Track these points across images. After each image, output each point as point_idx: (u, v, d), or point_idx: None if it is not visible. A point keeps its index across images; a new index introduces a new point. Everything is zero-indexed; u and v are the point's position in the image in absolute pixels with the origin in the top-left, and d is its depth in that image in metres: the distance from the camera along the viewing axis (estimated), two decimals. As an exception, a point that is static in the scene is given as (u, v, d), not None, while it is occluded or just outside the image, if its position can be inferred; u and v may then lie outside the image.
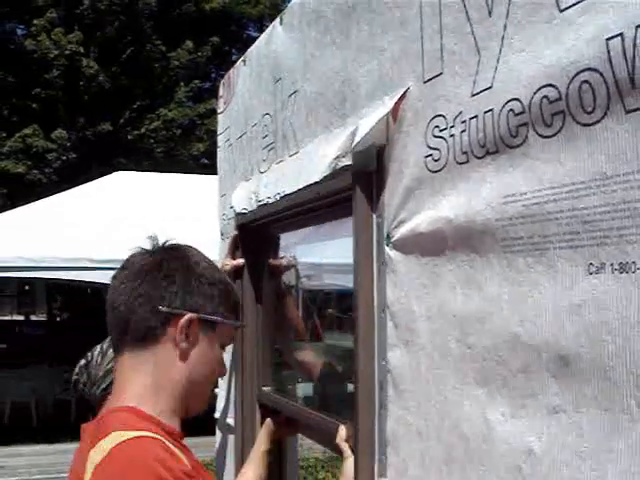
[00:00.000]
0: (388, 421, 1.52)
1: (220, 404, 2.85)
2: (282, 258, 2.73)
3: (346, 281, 1.79)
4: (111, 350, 1.99)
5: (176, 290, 1.44)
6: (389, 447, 1.52)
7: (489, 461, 1.20)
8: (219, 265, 2.66)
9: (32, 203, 10.95)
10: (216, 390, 2.75)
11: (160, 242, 1.53)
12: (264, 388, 2.54)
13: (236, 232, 2.59)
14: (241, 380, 2.58)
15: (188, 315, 1.43)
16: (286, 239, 2.63)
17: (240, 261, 2.55)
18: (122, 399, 1.41)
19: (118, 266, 1.51)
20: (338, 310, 2.18)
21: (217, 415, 2.87)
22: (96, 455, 1.28)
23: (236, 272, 2.55)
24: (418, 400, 1.41)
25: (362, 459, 1.59)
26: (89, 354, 2.22)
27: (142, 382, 1.42)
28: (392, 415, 1.51)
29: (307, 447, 6.96)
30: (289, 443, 2.68)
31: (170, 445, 1.32)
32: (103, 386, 2.13)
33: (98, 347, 2.20)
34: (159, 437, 1.32)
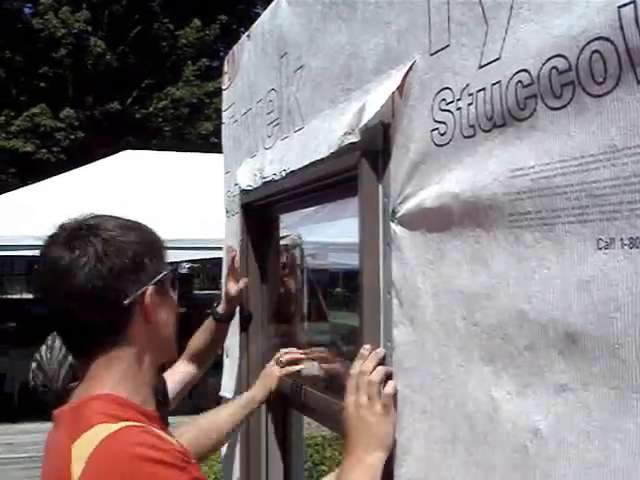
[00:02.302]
0: (393, 400, 1.51)
1: (226, 383, 2.84)
2: (286, 237, 2.71)
3: (351, 260, 1.77)
4: (57, 342, 1.97)
5: (126, 276, 1.37)
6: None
7: (494, 440, 1.18)
8: (224, 286, 2.67)
9: (40, 182, 10.96)
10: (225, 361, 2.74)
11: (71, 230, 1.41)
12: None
13: (235, 252, 2.58)
14: (247, 359, 2.57)
15: (144, 291, 1.39)
16: (291, 218, 2.61)
17: (243, 284, 2.53)
18: (95, 386, 1.36)
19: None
20: (344, 289, 2.16)
21: (222, 393, 2.86)
22: (82, 449, 1.23)
23: (240, 295, 2.54)
24: (423, 378, 1.39)
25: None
26: (37, 356, 2.18)
27: (115, 367, 1.38)
28: (397, 394, 1.49)
29: (315, 425, 6.97)
30: (295, 421, 2.67)
31: (154, 429, 1.29)
32: (62, 376, 2.10)
33: (43, 347, 2.17)
34: (142, 425, 1.28)
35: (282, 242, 2.71)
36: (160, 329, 1.45)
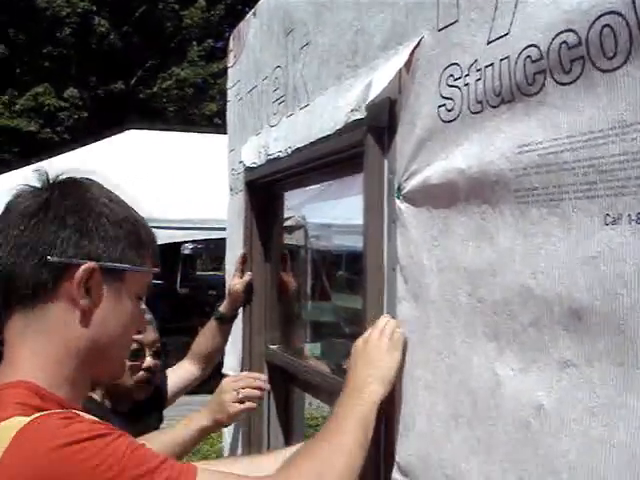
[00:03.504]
0: (396, 376, 1.51)
1: (228, 361, 2.85)
2: (290, 219, 2.71)
3: (356, 242, 1.76)
4: None
5: (69, 234, 1.18)
6: (396, 402, 1.50)
7: (497, 417, 1.18)
8: (228, 283, 2.65)
9: (44, 161, 10.94)
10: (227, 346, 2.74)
11: (50, 177, 1.26)
12: (271, 346, 2.53)
13: (244, 251, 2.56)
14: (249, 338, 2.57)
15: (86, 264, 1.18)
16: (295, 198, 2.61)
17: (248, 277, 2.53)
18: (13, 372, 1.17)
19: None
20: (347, 272, 2.15)
21: (225, 371, 2.86)
22: None
23: (247, 290, 2.54)
24: (427, 355, 1.39)
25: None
26: None
27: (34, 351, 1.19)
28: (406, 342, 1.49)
29: (315, 406, 7.00)
30: (295, 401, 2.68)
31: (67, 411, 1.11)
32: None
33: None
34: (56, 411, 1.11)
35: (286, 223, 2.71)
36: (100, 332, 1.22)
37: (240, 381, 2.11)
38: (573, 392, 1.02)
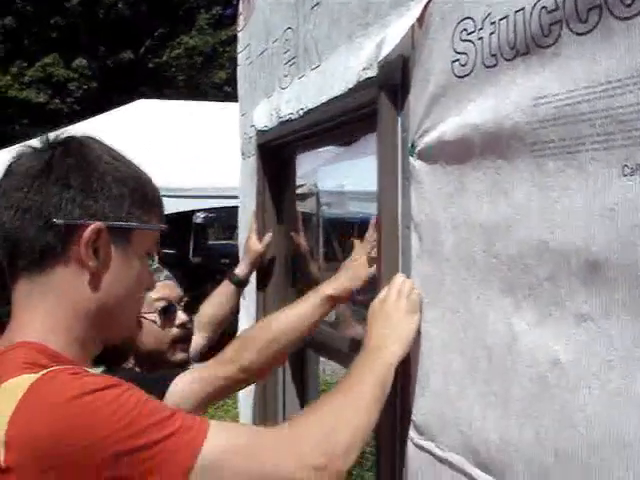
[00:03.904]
0: (411, 335, 1.51)
1: (243, 324, 2.86)
2: (302, 186, 2.69)
3: (368, 208, 1.75)
4: None
5: (73, 195, 1.16)
6: (411, 361, 1.50)
7: (513, 372, 1.17)
8: (243, 245, 2.60)
9: (53, 132, 10.93)
10: (242, 302, 2.72)
11: (51, 138, 1.23)
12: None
13: (254, 209, 2.51)
14: (263, 299, 2.58)
15: (93, 225, 1.16)
16: (307, 163, 2.59)
17: (268, 238, 2.49)
18: (22, 334, 1.17)
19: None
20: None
21: (240, 334, 2.87)
22: (5, 402, 1.04)
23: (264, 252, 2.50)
24: (442, 312, 1.39)
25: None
26: None
27: (43, 314, 1.18)
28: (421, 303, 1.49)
29: (330, 372, 7.03)
30: (310, 366, 2.69)
31: (75, 367, 1.12)
32: None
33: None
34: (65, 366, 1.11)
35: (298, 191, 2.70)
36: (109, 294, 1.21)
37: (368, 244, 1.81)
38: (590, 345, 1.01)
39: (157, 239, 1.30)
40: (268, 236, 2.48)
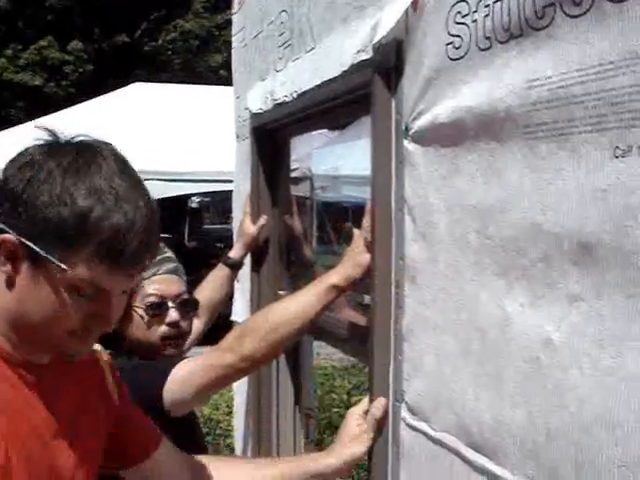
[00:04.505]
0: (405, 317, 1.51)
1: (237, 307, 2.86)
2: (296, 170, 2.69)
3: (362, 192, 1.76)
4: None
5: (1, 201, 1.18)
6: (405, 343, 1.51)
7: (506, 353, 1.18)
8: (237, 227, 2.59)
9: (49, 115, 10.90)
10: (236, 285, 2.73)
11: (62, 138, 1.24)
12: (280, 292, 2.54)
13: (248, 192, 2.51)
14: (257, 283, 2.58)
15: (8, 235, 1.16)
16: (302, 146, 2.59)
17: (263, 221, 2.47)
18: None
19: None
20: (355, 224, 2.13)
21: (234, 317, 2.88)
22: None
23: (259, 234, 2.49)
24: (435, 294, 1.40)
25: (378, 356, 1.59)
26: None
27: None
28: (408, 311, 1.50)
29: (324, 356, 7.06)
30: (304, 350, 2.69)
31: None
32: None
33: None
34: None
35: (292, 174, 2.70)
36: (21, 298, 1.20)
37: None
38: (582, 326, 1.02)
39: (93, 280, 1.18)
40: (262, 219, 2.47)
